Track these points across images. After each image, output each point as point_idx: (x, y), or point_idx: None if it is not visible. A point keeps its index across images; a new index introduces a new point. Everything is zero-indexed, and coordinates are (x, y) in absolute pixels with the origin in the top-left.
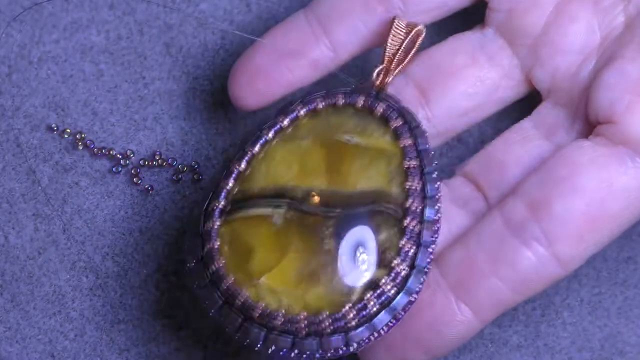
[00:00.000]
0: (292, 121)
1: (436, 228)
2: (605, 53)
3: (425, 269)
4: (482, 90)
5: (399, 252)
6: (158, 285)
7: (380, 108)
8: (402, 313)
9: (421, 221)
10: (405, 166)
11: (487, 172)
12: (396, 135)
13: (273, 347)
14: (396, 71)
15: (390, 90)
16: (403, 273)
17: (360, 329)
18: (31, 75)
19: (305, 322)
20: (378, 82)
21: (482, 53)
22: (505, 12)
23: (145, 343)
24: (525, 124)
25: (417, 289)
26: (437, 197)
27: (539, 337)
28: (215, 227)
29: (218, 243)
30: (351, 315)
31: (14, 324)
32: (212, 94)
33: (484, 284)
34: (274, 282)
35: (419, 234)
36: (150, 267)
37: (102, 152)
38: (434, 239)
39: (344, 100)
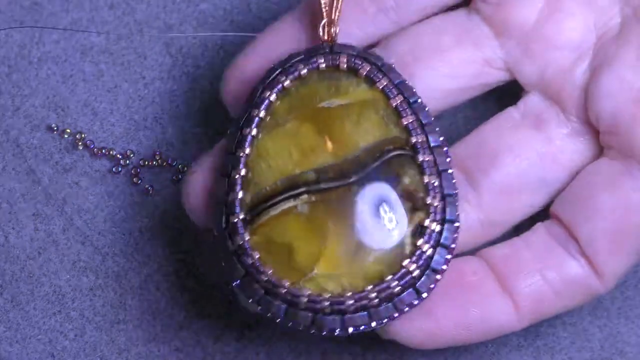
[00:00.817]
0: (267, 109)
1: (445, 150)
2: (600, 53)
3: (454, 195)
4: (465, 73)
5: (427, 188)
6: (158, 285)
7: (343, 61)
8: (454, 245)
9: (431, 150)
10: (393, 105)
11: (477, 158)
12: (370, 80)
13: (352, 328)
14: (337, 18)
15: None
16: (439, 206)
17: (424, 278)
18: (31, 75)
19: (374, 292)
20: (326, 37)
21: (468, 37)
22: (495, 5)
23: (145, 343)
24: (513, 112)
25: (456, 216)
26: (432, 121)
27: (539, 337)
28: (247, 240)
29: (257, 254)
30: (412, 267)
31: (14, 324)
32: (212, 94)
33: (529, 280)
34: (327, 269)
35: (435, 162)
36: (150, 267)
37: (102, 152)
38: (448, 161)
39: (306, 69)
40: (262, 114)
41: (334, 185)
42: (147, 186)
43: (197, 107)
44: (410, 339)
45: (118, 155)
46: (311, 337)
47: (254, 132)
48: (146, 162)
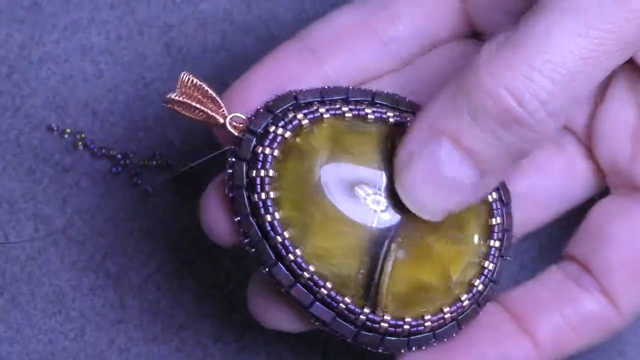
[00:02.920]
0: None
1: None
2: (597, 90)
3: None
4: None
5: None
6: (158, 285)
7: (284, 129)
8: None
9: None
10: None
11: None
12: (310, 118)
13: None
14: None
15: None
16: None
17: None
18: (31, 75)
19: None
20: (240, 127)
21: None
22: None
23: (145, 343)
24: None
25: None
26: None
27: None
28: (384, 316)
29: (407, 319)
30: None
31: (14, 324)
32: None
33: (547, 318)
34: (458, 269)
35: None
36: (150, 267)
37: (102, 152)
38: None
39: (277, 149)
40: (287, 234)
41: (397, 224)
42: (147, 186)
43: None
44: None
45: (118, 155)
46: (312, 338)
47: (299, 253)
48: (146, 162)
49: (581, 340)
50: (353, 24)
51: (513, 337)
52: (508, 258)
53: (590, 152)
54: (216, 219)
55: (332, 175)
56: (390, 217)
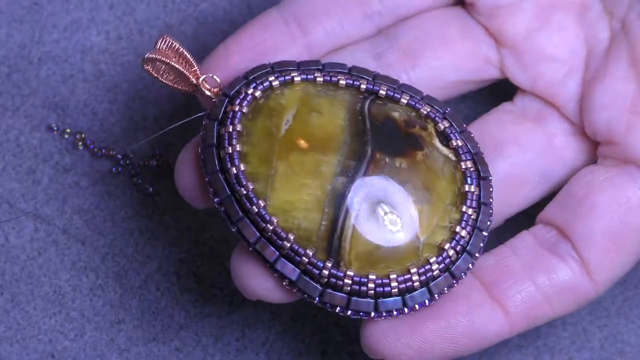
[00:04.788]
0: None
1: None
2: (591, 67)
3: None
4: (468, 66)
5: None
6: (158, 285)
7: (256, 94)
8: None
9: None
10: (323, 81)
11: (482, 146)
12: (288, 82)
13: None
14: (197, 71)
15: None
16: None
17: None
18: (31, 75)
19: (468, 226)
20: (215, 90)
21: (471, 32)
22: (487, 16)
23: (145, 343)
24: (511, 107)
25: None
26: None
27: (539, 337)
28: (353, 275)
29: (373, 275)
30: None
31: (14, 324)
32: None
33: (520, 287)
34: (426, 230)
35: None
36: (150, 267)
37: (102, 152)
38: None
39: (246, 107)
40: (251, 186)
41: (361, 169)
42: (147, 186)
43: (196, 107)
44: (398, 357)
45: (118, 156)
46: (312, 337)
47: (262, 205)
48: (146, 162)
49: (554, 311)
50: None
51: (483, 307)
52: (485, 233)
53: (574, 126)
54: (189, 180)
55: (299, 130)
56: (355, 171)
